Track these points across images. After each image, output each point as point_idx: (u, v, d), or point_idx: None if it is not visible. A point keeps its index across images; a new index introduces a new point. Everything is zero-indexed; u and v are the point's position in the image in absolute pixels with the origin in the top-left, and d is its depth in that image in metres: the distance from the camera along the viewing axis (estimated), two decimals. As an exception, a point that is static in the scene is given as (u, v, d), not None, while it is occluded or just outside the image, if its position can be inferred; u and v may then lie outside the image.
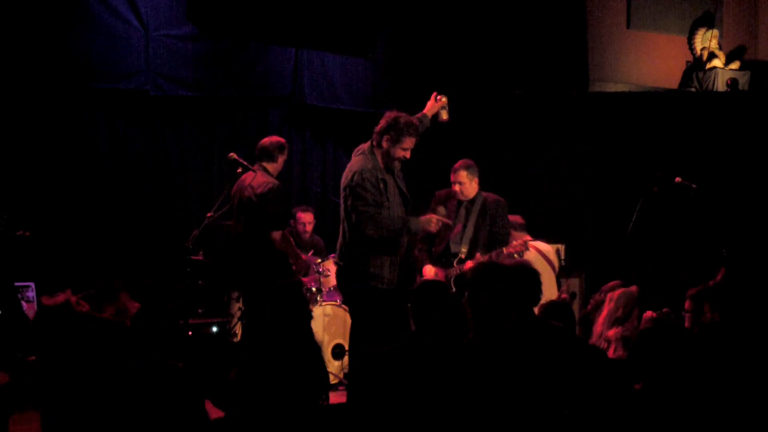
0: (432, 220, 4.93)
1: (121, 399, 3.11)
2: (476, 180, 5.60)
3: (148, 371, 3.20)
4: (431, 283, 3.75)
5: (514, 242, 5.43)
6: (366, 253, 4.79)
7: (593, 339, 4.30)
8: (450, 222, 5.29)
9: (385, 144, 4.87)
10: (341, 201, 4.96)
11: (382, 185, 4.83)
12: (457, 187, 5.55)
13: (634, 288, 4.36)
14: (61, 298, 3.61)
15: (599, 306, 4.40)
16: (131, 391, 3.11)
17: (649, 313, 4.46)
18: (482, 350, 3.30)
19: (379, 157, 4.90)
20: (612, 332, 4.13)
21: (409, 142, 4.87)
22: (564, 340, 3.42)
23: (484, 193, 5.64)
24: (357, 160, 4.94)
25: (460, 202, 5.59)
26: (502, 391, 3.15)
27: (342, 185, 4.92)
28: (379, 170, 4.85)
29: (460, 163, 5.61)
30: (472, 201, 5.57)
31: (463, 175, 5.54)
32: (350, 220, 4.84)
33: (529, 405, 3.13)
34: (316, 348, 3.76)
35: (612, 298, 4.31)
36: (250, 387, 3.51)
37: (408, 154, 4.92)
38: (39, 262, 6.18)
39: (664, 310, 4.54)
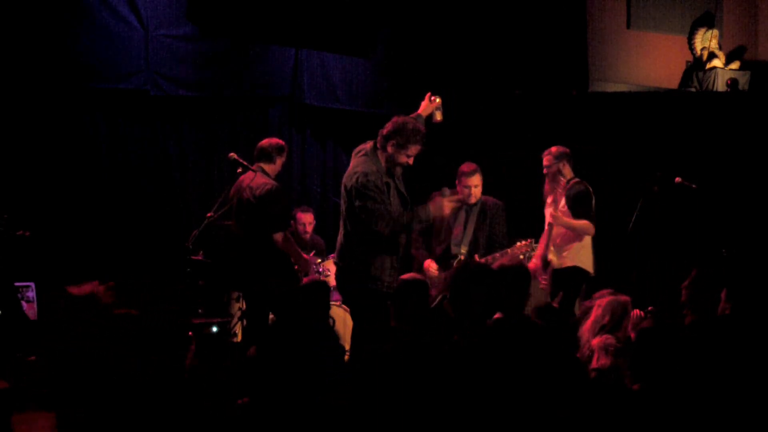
0: (443, 205, 4.89)
1: (124, 398, 3.11)
2: (482, 183, 5.64)
3: (148, 371, 3.20)
4: (411, 282, 3.75)
5: (519, 243, 5.44)
6: (366, 254, 4.78)
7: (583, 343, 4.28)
8: (460, 196, 5.26)
9: (390, 148, 4.85)
10: (342, 201, 4.95)
11: (385, 188, 4.84)
12: (472, 191, 5.55)
13: (624, 297, 4.31)
14: (87, 288, 3.62)
15: (587, 312, 4.37)
16: (132, 391, 3.12)
17: (636, 312, 4.44)
18: (467, 350, 3.32)
19: (381, 160, 4.89)
20: (596, 341, 4.10)
21: (414, 150, 4.86)
22: (550, 339, 3.43)
23: (483, 196, 5.66)
24: (361, 161, 4.92)
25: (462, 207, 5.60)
26: (486, 390, 3.16)
27: (345, 186, 4.90)
28: (382, 173, 4.85)
29: (472, 166, 5.60)
30: (473, 205, 5.59)
31: (477, 178, 5.57)
32: (353, 220, 4.83)
33: (513, 404, 3.14)
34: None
35: (600, 305, 4.28)
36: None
37: (411, 161, 4.92)
38: (39, 262, 6.18)
39: (649, 308, 4.52)
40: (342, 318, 6.29)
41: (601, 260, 7.01)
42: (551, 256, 5.87)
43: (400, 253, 4.94)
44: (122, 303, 3.61)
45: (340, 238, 4.99)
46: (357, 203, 4.77)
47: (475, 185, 5.58)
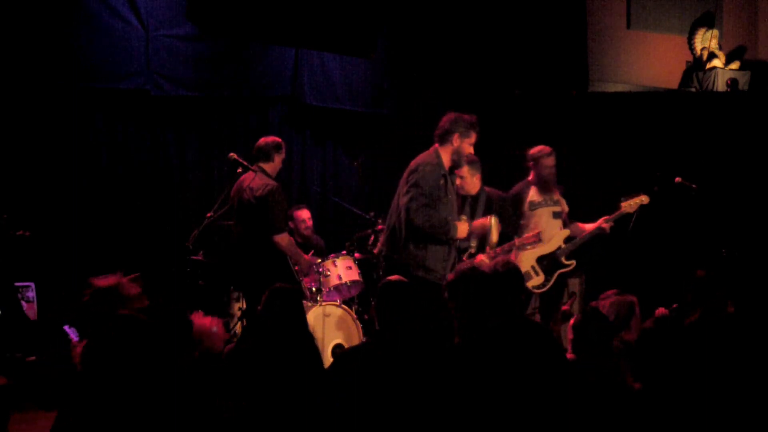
0: (465, 231, 5.11)
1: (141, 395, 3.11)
2: (478, 176, 5.67)
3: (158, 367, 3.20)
4: (393, 284, 3.76)
5: (527, 234, 5.48)
6: (420, 245, 4.91)
7: None
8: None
9: (456, 141, 5.07)
10: (397, 193, 5.04)
11: (442, 181, 5.00)
12: (458, 181, 5.60)
13: (629, 297, 4.31)
14: (112, 280, 3.65)
15: None
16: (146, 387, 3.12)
17: (661, 310, 4.48)
18: (465, 353, 3.33)
19: (446, 156, 5.08)
20: None
21: (474, 137, 5.14)
22: (547, 340, 3.44)
23: (487, 189, 5.70)
24: (424, 155, 5.12)
25: (464, 198, 5.65)
26: (486, 392, 3.17)
27: (405, 175, 5.06)
28: (442, 167, 5.03)
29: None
30: (476, 197, 5.63)
31: (465, 169, 5.61)
32: (405, 209, 4.96)
33: (512, 406, 3.15)
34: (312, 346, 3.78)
35: (605, 306, 4.28)
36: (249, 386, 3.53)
37: (472, 150, 5.16)
38: (39, 262, 6.18)
39: (673, 306, 4.54)
40: (342, 318, 6.29)
41: (602, 260, 7.03)
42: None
43: (454, 244, 5.07)
44: (149, 292, 3.65)
45: (387, 231, 5.07)
46: (405, 189, 4.96)
47: (461, 176, 5.66)
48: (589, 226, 5.95)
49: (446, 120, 5.10)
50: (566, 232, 5.92)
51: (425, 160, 5.04)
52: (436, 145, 5.13)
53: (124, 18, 6.64)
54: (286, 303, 3.71)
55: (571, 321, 3.82)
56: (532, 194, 5.98)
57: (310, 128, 7.89)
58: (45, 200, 6.57)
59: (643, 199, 5.89)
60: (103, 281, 3.74)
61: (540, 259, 5.86)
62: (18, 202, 6.27)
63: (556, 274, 5.86)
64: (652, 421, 3.13)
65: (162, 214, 7.03)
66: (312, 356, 3.70)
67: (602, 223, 5.88)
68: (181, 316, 3.40)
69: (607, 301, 4.29)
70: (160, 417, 3.10)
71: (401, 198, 4.99)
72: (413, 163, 5.07)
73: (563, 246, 5.88)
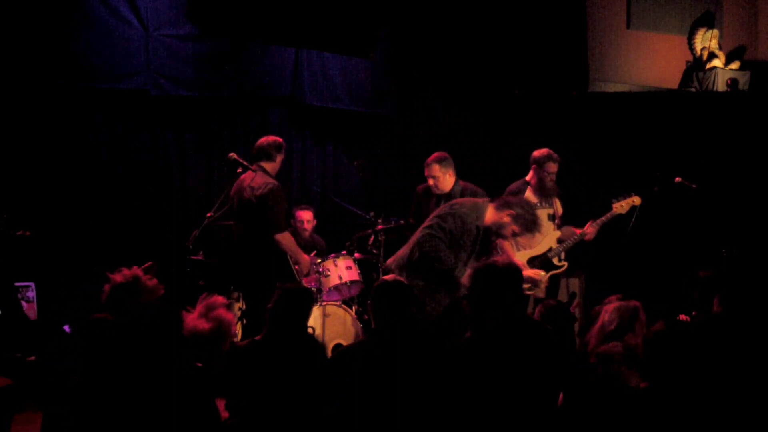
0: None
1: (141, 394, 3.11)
2: (450, 173, 5.62)
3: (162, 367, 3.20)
4: (389, 284, 3.77)
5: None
6: (426, 290, 4.76)
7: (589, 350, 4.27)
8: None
9: (506, 218, 4.84)
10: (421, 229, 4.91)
11: (475, 233, 4.84)
12: (431, 182, 5.61)
13: (633, 303, 4.29)
14: (129, 274, 3.66)
15: (596, 318, 4.37)
16: (148, 387, 3.12)
17: (682, 317, 4.47)
18: (465, 351, 3.34)
19: (489, 217, 4.87)
20: (602, 349, 4.09)
21: (515, 231, 4.89)
22: (549, 339, 3.45)
23: (462, 183, 5.63)
24: (470, 200, 5.00)
25: (438, 197, 5.61)
26: (484, 390, 3.18)
27: (439, 209, 4.95)
28: (481, 220, 4.85)
29: (432, 156, 5.64)
30: (449, 195, 5.57)
31: (435, 168, 5.58)
32: (419, 234, 4.82)
33: (510, 405, 3.15)
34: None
35: (607, 311, 4.28)
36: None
37: (506, 238, 5.01)
38: (39, 262, 6.18)
39: (693, 313, 4.52)
40: (342, 318, 6.29)
41: (596, 261, 7.03)
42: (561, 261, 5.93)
43: (458, 295, 4.92)
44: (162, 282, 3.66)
45: (400, 257, 4.94)
46: (431, 217, 4.82)
47: (434, 176, 5.61)
48: (580, 230, 5.93)
49: (519, 200, 4.98)
50: (557, 234, 5.90)
51: (466, 204, 4.90)
52: (492, 203, 4.95)
53: (124, 18, 6.64)
54: (297, 304, 3.71)
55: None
56: (529, 195, 5.94)
57: (310, 128, 7.89)
58: (45, 200, 6.57)
59: (635, 200, 5.85)
60: (120, 276, 3.75)
61: (531, 261, 5.84)
62: (18, 202, 6.28)
63: (548, 276, 5.84)
64: (654, 421, 3.13)
65: (162, 213, 7.03)
66: (314, 357, 3.70)
67: (590, 226, 5.84)
68: (173, 315, 3.39)
69: (610, 307, 4.28)
70: (158, 417, 3.10)
71: (424, 223, 4.87)
72: (453, 201, 4.95)
73: (554, 247, 5.86)
